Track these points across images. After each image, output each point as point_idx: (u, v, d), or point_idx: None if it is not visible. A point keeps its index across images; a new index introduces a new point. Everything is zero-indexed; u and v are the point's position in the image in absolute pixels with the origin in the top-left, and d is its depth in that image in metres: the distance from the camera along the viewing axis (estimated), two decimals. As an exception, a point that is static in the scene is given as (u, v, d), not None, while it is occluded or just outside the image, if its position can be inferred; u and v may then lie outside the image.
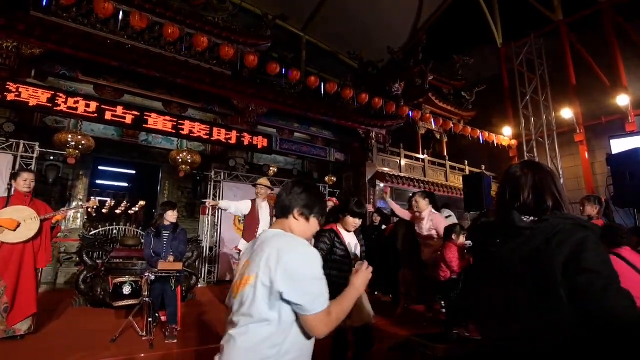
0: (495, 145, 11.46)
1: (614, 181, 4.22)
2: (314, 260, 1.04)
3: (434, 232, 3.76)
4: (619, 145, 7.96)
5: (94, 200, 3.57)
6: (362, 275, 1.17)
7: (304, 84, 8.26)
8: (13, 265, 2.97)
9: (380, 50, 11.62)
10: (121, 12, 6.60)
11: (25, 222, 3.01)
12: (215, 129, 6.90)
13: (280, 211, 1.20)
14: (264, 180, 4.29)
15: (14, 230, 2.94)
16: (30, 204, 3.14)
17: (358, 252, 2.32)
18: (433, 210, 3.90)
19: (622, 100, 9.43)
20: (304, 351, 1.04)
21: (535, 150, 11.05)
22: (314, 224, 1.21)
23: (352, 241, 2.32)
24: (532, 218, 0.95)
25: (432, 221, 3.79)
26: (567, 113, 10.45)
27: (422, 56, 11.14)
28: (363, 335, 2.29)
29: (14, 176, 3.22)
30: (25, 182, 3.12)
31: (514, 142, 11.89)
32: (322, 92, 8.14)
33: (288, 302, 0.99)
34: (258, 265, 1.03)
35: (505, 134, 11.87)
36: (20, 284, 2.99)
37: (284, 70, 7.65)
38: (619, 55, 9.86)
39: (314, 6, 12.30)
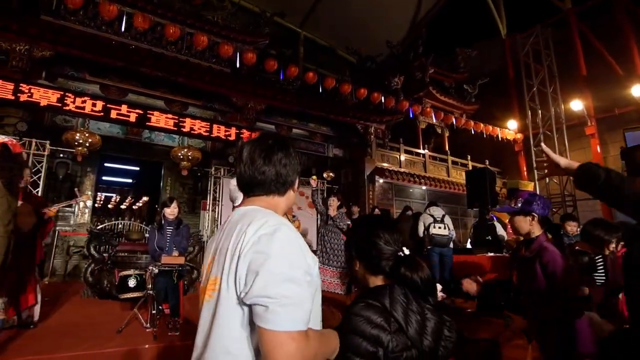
0: (500, 139, 11.23)
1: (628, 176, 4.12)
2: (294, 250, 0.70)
3: None
4: (634, 139, 7.63)
5: (87, 195, 3.72)
6: None
7: (302, 80, 8.36)
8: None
9: (379, 44, 11.52)
10: (125, 14, 6.89)
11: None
12: (215, 126, 7.08)
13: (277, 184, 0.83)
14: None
15: None
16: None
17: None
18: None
19: (637, 90, 9.04)
20: None
21: (542, 144, 10.74)
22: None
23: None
24: None
25: None
26: (577, 105, 10.09)
27: (422, 49, 10.99)
28: None
29: None
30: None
31: (519, 135, 11.61)
32: (320, 88, 8.20)
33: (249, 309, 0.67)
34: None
35: (511, 128, 11.59)
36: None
37: (282, 67, 7.77)
38: (633, 42, 9.45)
39: (312, 2, 12.28)
